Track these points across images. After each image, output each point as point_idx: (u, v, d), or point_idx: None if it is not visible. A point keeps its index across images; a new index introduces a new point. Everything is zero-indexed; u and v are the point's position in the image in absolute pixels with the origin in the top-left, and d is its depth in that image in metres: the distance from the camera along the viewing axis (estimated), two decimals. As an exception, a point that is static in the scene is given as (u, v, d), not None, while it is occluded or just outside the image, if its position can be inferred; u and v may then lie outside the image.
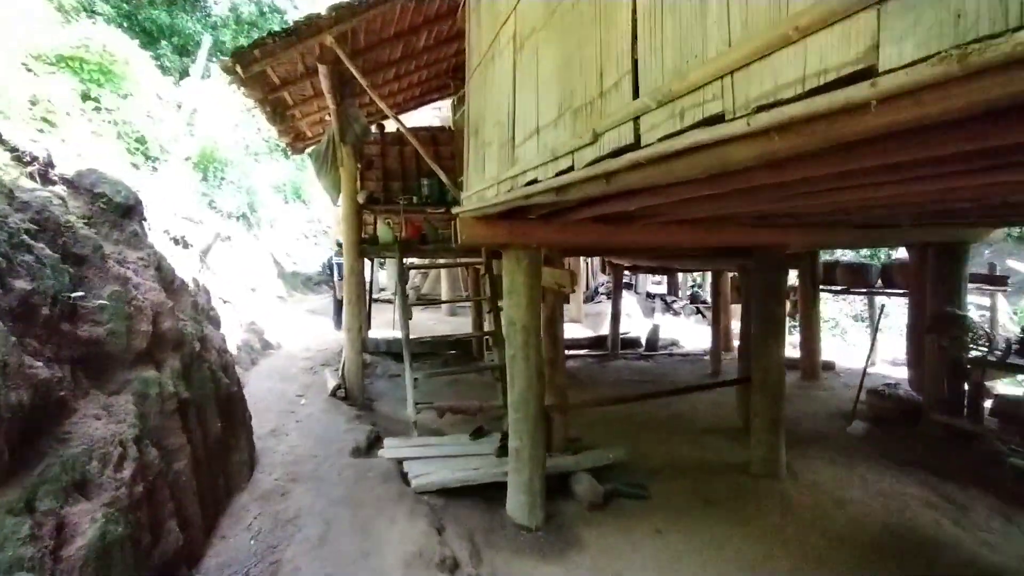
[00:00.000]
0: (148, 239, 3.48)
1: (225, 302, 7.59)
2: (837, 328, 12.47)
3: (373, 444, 4.86)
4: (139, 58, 10.66)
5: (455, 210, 4.11)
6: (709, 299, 15.00)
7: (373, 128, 8.43)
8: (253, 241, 12.05)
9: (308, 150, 5.70)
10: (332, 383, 6.07)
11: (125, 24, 14.11)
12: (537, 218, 3.77)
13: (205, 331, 3.76)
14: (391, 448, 4.70)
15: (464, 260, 6.56)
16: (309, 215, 16.77)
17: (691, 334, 10.96)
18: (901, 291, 6.27)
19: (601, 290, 12.93)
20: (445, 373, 6.19)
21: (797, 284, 7.76)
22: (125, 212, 3.23)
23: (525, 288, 3.80)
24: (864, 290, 6.73)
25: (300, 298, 12.70)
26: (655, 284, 15.09)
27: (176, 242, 5.78)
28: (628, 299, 11.78)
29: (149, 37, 16.30)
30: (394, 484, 3.95)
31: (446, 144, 8.70)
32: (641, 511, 4.17)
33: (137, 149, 10.10)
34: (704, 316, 12.48)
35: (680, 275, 13.45)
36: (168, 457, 2.85)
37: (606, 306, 11.32)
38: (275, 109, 5.08)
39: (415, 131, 8.64)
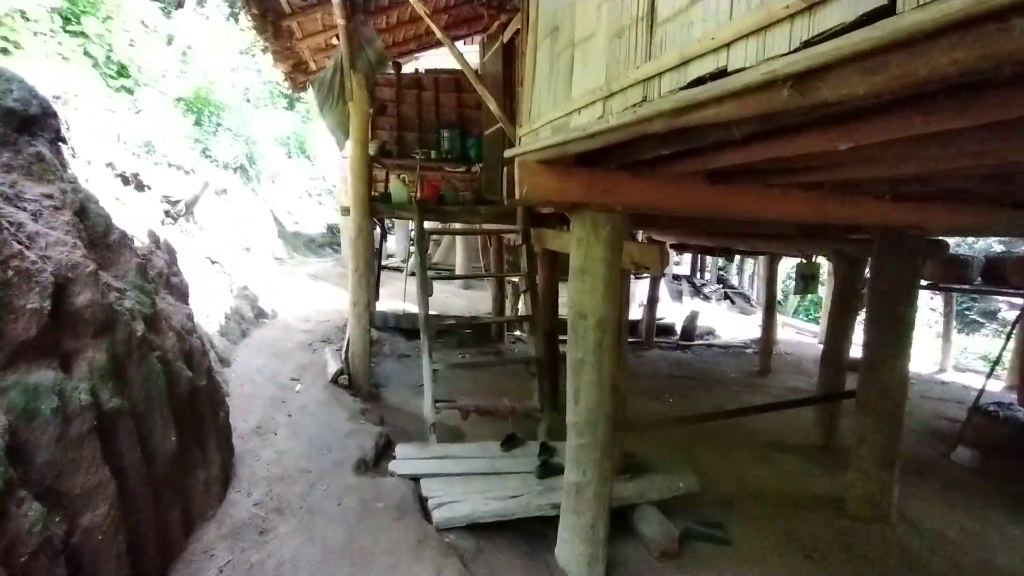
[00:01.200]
0: (69, 171, 2.34)
1: (213, 263, 6.48)
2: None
3: (382, 453, 3.83)
4: (121, -23, 9.24)
5: (509, 152, 2.94)
6: (736, 283, 13.95)
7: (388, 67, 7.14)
8: (251, 196, 10.84)
9: (311, 78, 4.46)
10: (333, 367, 5.02)
11: None
12: (620, 168, 2.64)
13: (159, 306, 2.66)
14: (404, 460, 3.67)
15: (494, 227, 5.40)
16: (314, 172, 15.47)
17: (727, 322, 9.89)
18: (1016, 290, 5.17)
19: (628, 268, 11.81)
20: (471, 365, 5.14)
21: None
22: (23, 124, 2.09)
23: (603, 267, 2.69)
24: (964, 287, 5.61)
25: (301, 260, 11.58)
26: (675, 264, 13.95)
27: (126, 181, 4.58)
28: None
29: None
30: (411, 521, 2.92)
31: (471, 91, 7.40)
32: (724, 561, 3.18)
33: (119, 86, 8.81)
34: (734, 302, 11.38)
35: (709, 257, 12.29)
36: (72, 509, 1.80)
37: (633, 286, 10.21)
38: (264, 13, 3.85)
39: (435, 74, 7.36)
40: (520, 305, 8.37)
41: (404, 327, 7.31)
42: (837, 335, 4.69)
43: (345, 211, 4.87)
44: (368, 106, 4.50)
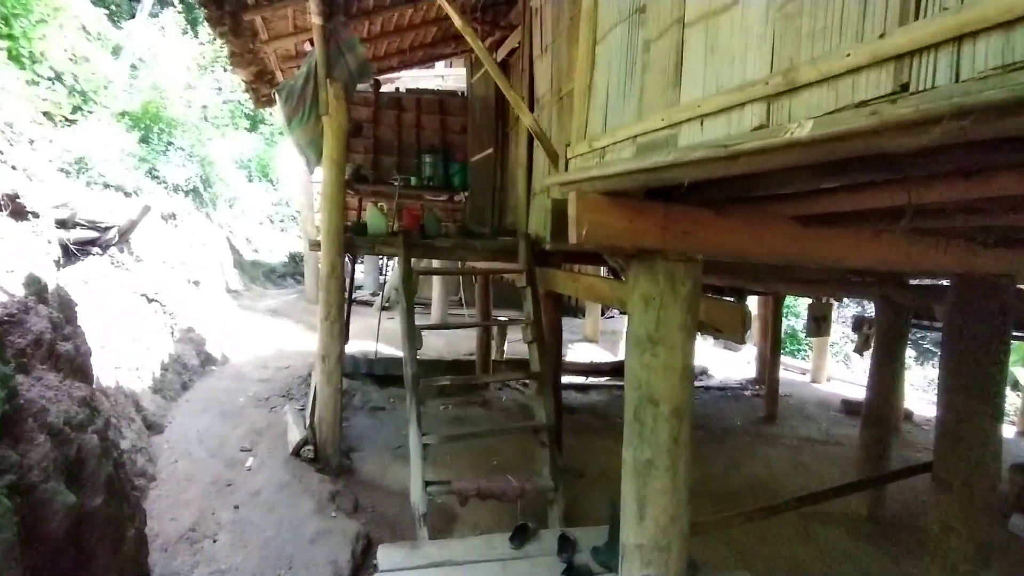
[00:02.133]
0: None
1: (150, 300, 5.38)
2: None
3: (361, 564, 2.89)
4: (61, -22, 8.17)
5: (550, 180, 2.18)
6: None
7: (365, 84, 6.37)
8: (204, 222, 9.67)
9: (278, 86, 3.61)
10: (296, 434, 4.03)
11: None
12: (700, 204, 1.95)
13: (25, 397, 1.72)
14: (391, 574, 2.75)
15: (493, 266, 4.61)
16: (277, 197, 14.32)
17: (716, 360, 9.36)
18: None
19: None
20: (469, 436, 4.22)
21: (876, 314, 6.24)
22: None
23: (682, 336, 1.95)
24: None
25: (260, 293, 10.40)
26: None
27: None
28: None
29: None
30: None
31: (456, 114, 6.73)
32: None
33: (48, 96, 7.64)
34: (717, 338, 10.89)
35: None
36: None
37: (620, 322, 9.59)
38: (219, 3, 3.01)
39: (418, 94, 6.64)
40: (505, 347, 7.56)
41: (377, 373, 6.35)
42: (881, 389, 4.12)
43: (314, 245, 3.99)
44: (346, 121, 3.70)
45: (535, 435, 3.79)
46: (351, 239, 3.93)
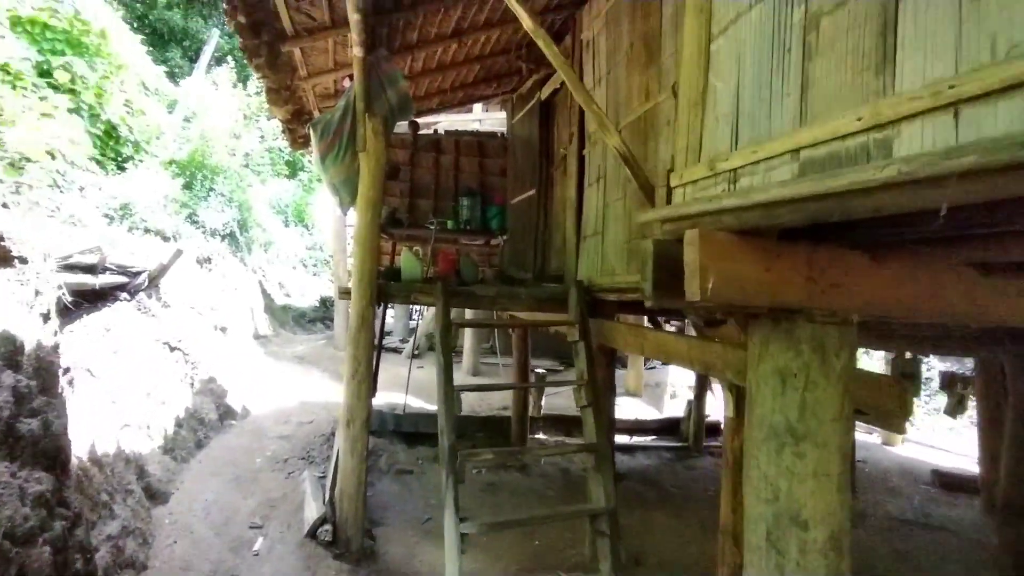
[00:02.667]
0: None
1: (173, 349, 5.06)
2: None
3: None
4: (122, 34, 8.54)
5: (648, 216, 1.68)
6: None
7: (403, 125, 6.18)
8: (238, 266, 9.59)
9: (314, 121, 3.32)
10: (313, 510, 3.48)
11: (135, 25, 12.16)
12: (847, 247, 1.42)
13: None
14: None
15: (541, 318, 4.10)
16: (311, 241, 14.39)
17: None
18: None
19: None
20: (515, 524, 3.53)
21: (975, 372, 5.39)
22: None
23: (837, 432, 1.38)
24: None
25: (288, 338, 10.13)
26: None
27: None
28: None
29: (159, 39, 14.44)
30: None
31: (495, 156, 6.46)
32: None
33: (102, 142, 7.81)
34: (868, 424, 9.93)
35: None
36: None
37: (663, 373, 8.83)
38: (257, 27, 2.75)
39: (457, 136, 6.42)
40: (543, 401, 6.92)
41: (405, 430, 5.80)
42: (1018, 470, 3.32)
43: (344, 293, 3.58)
44: (384, 159, 3.36)
45: (591, 521, 3.14)
46: (384, 286, 3.51)
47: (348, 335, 3.40)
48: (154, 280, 5.39)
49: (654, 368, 9.57)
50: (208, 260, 8.71)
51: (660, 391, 8.43)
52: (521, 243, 5.59)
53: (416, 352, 9.28)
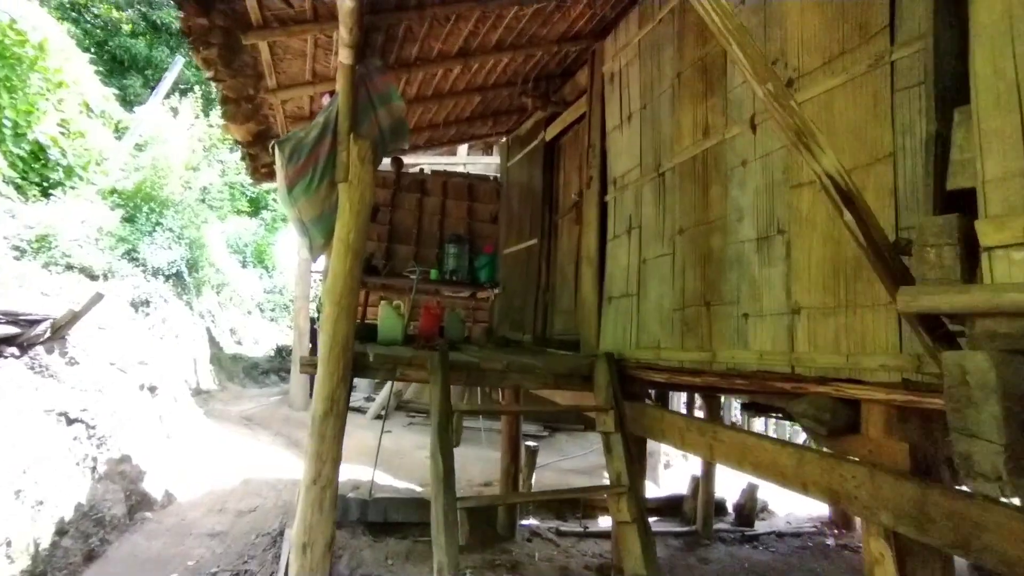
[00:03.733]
0: None
1: (71, 422, 3.86)
2: None
3: None
4: (68, 51, 7.55)
5: (938, 299, 0.92)
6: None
7: (386, 160, 5.43)
8: (182, 310, 8.31)
9: (280, 139, 2.47)
10: None
11: (93, 51, 11.13)
12: None
13: None
14: None
15: (565, 404, 3.25)
16: (270, 284, 13.12)
17: (770, 489, 7.69)
18: None
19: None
20: None
21: None
22: None
23: None
24: None
25: (236, 393, 8.75)
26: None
27: None
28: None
29: (118, 65, 13.39)
30: None
31: (486, 201, 5.76)
32: None
33: (25, 164, 6.64)
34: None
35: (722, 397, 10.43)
36: None
37: (658, 445, 8.01)
38: (206, 7, 1.96)
39: (445, 177, 5.71)
40: (528, 479, 5.90)
41: (371, 520, 4.67)
42: None
43: (307, 366, 2.64)
44: (371, 193, 2.55)
45: None
46: (359, 358, 2.60)
47: (311, 424, 2.44)
48: (60, 331, 4.23)
49: (642, 431, 8.75)
50: (146, 303, 7.44)
51: (653, 460, 7.57)
52: (517, 299, 4.80)
53: (383, 413, 8.13)
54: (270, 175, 4.10)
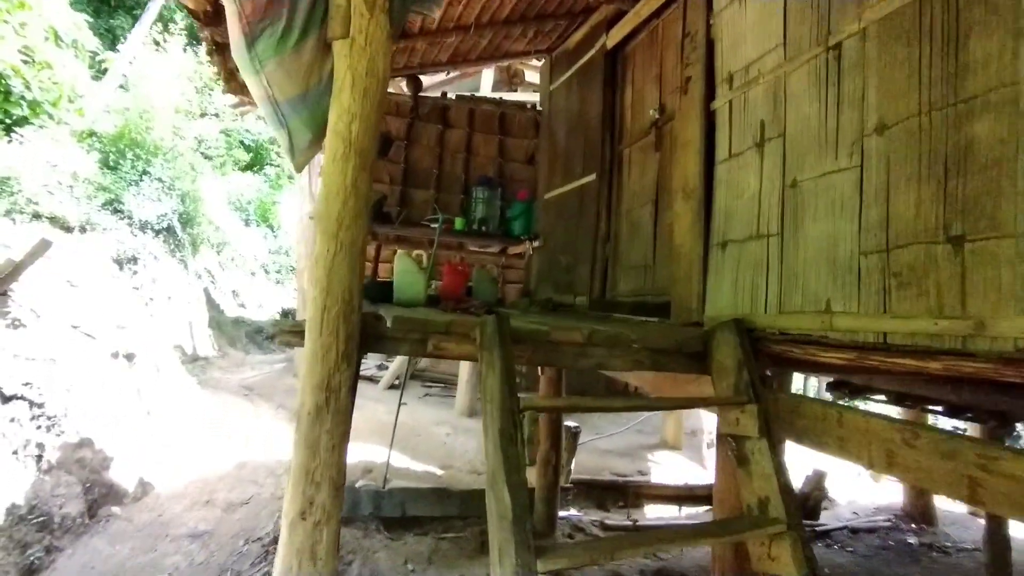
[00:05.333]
0: None
1: (6, 399, 3.00)
2: None
3: None
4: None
5: None
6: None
7: (402, 84, 4.37)
8: (176, 269, 7.43)
9: None
10: None
11: None
12: None
13: None
14: None
15: (675, 397, 2.30)
16: (276, 244, 12.19)
17: (830, 470, 6.84)
18: None
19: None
20: None
21: None
22: None
23: None
24: None
25: (237, 360, 7.96)
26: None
27: None
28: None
29: (105, 4, 12.09)
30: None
31: (521, 135, 4.70)
32: None
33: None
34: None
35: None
36: None
37: (696, 416, 7.14)
38: None
39: (471, 103, 4.64)
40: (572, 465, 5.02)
41: (387, 515, 3.85)
42: None
43: (291, 334, 1.70)
44: (385, 62, 1.55)
45: None
46: (370, 322, 1.66)
47: (297, 426, 1.52)
48: (-3, 286, 3.32)
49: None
50: (132, 260, 6.56)
51: (697, 441, 6.73)
52: (564, 254, 3.82)
53: (397, 382, 7.30)
54: (242, 98, 3.07)
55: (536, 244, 4.22)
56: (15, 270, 3.37)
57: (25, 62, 6.10)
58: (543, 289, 4.07)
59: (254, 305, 10.16)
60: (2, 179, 5.24)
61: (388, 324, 1.70)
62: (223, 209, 9.97)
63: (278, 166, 12.33)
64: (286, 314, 10.14)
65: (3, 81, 5.79)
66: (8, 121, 5.91)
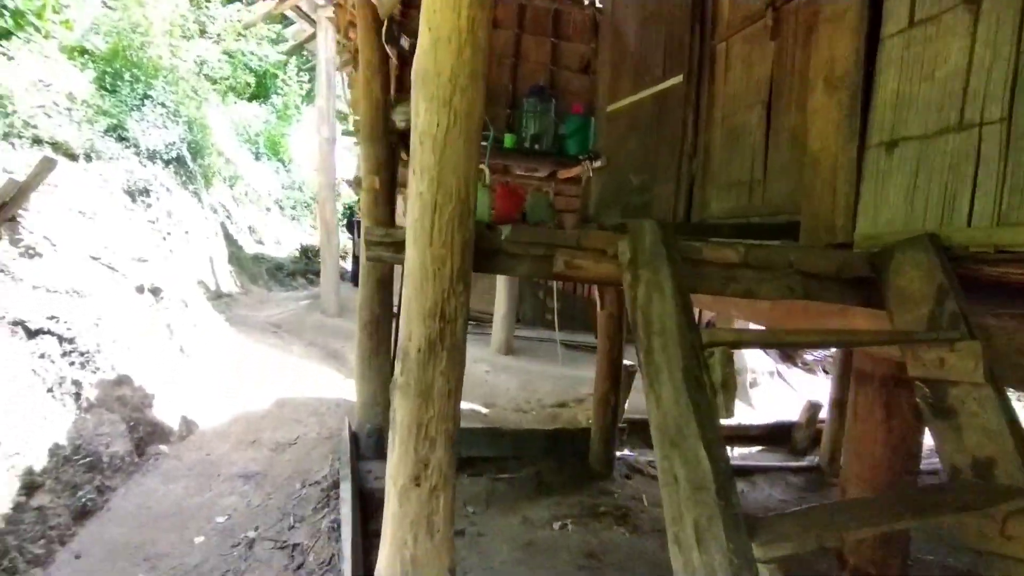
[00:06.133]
0: None
1: (34, 333, 2.70)
2: None
3: None
4: None
5: None
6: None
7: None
8: (189, 202, 6.99)
9: None
10: None
11: None
12: None
13: None
14: None
15: (872, 341, 1.90)
16: (287, 179, 11.60)
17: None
18: None
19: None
20: None
21: None
22: None
23: None
24: None
25: (261, 296, 7.71)
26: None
27: None
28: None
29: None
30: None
31: (576, 39, 4.04)
32: None
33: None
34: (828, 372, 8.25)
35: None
36: None
37: (744, 359, 6.86)
38: None
39: None
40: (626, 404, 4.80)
41: (477, 454, 3.68)
42: None
43: (381, 246, 1.30)
44: None
45: None
46: (481, 235, 1.25)
47: (401, 366, 1.16)
48: (2, 210, 2.93)
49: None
50: (145, 192, 6.11)
51: (743, 380, 6.51)
52: (635, 173, 3.32)
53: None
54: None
55: (597, 164, 3.70)
56: (20, 192, 2.96)
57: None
58: (607, 215, 3.61)
59: (271, 241, 9.79)
60: (-5, 98, 4.69)
61: (503, 237, 1.29)
62: (231, 140, 9.33)
63: (285, 95, 11.47)
64: (305, 251, 9.79)
65: (-22, -16, 5.06)
66: (-10, 32, 5.24)
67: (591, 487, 3.76)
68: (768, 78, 2.44)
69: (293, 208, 11.40)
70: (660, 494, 3.16)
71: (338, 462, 3.02)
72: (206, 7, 8.12)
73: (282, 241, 10.13)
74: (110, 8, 7.26)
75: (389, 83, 3.24)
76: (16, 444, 2.26)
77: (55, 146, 5.11)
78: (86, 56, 6.26)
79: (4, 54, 5.25)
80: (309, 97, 13.65)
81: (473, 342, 6.99)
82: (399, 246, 1.19)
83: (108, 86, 6.24)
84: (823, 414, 4.99)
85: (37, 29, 5.72)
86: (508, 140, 3.74)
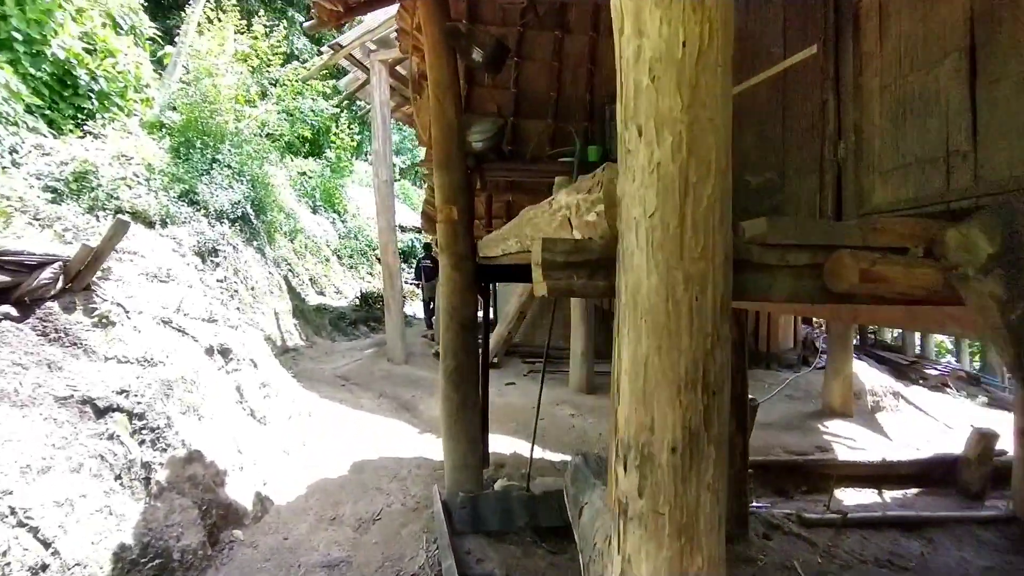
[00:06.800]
0: None
1: (104, 412, 2.42)
2: None
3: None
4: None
5: None
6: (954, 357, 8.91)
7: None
8: (254, 258, 7.00)
9: None
10: None
11: None
12: None
13: None
14: None
15: None
16: (344, 229, 11.77)
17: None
18: None
19: (819, 345, 7.46)
20: None
21: None
22: None
23: None
24: None
25: (326, 348, 7.54)
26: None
27: None
28: (857, 362, 6.30)
29: (158, 6, 11.80)
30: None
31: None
32: None
33: (51, 91, 5.26)
34: (979, 391, 7.01)
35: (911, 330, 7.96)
36: None
37: (861, 380, 5.85)
38: None
39: None
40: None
41: (545, 524, 3.06)
42: None
43: (569, 268, 0.82)
44: None
45: None
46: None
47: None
48: (79, 278, 2.76)
49: (823, 367, 6.60)
50: (213, 252, 6.14)
51: (863, 404, 5.52)
52: (756, 170, 2.76)
53: (495, 360, 6.56)
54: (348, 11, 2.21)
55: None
56: (95, 259, 2.79)
57: (87, 50, 5.67)
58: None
59: (331, 292, 9.78)
60: (81, 174, 4.83)
61: (745, 235, 0.78)
62: (291, 195, 9.55)
63: (338, 148, 11.82)
64: (365, 298, 9.69)
65: (71, 74, 5.37)
66: (80, 116, 5.53)
67: (727, 549, 3.03)
68: (967, 15, 1.86)
69: (351, 257, 11.50)
70: (814, 560, 2.28)
71: (433, 545, 2.51)
72: (267, 71, 8.47)
73: (342, 290, 10.13)
74: (185, 83, 7.69)
75: (461, 103, 2.91)
76: (77, 552, 1.92)
77: (135, 215, 5.20)
78: (164, 129, 6.54)
79: (90, 132, 5.53)
80: (359, 150, 14.10)
81: (547, 382, 6.36)
82: (597, 267, 0.72)
83: (181, 155, 6.45)
84: (1001, 445, 3.99)
85: (120, 108, 6.03)
86: (592, 153, 3.30)
